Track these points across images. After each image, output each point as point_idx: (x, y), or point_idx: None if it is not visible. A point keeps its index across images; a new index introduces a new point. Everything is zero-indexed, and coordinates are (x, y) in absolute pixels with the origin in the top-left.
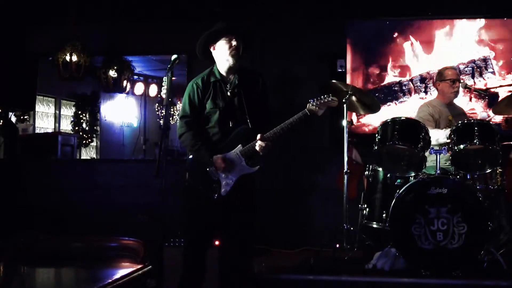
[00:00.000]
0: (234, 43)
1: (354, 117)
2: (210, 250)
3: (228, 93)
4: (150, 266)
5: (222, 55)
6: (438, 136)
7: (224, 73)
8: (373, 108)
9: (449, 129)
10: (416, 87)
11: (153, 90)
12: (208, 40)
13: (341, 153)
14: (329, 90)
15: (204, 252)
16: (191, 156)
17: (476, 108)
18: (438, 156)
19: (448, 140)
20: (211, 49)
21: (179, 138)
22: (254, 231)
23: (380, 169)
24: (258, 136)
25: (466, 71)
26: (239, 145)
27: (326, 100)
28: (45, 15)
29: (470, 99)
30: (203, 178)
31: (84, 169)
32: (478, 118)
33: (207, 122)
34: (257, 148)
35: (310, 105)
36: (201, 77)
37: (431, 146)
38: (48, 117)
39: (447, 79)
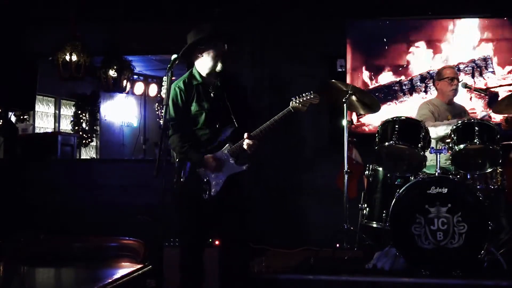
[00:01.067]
0: (224, 49)
1: (354, 116)
2: (209, 250)
3: (212, 95)
4: (150, 266)
5: (210, 60)
6: (437, 128)
7: (205, 75)
8: (373, 108)
9: (447, 121)
10: (416, 87)
11: (153, 90)
12: (198, 44)
13: (341, 152)
14: (329, 90)
15: (200, 252)
16: (178, 159)
17: (476, 108)
18: (438, 155)
19: (448, 131)
20: (198, 54)
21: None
22: (247, 229)
23: (380, 168)
24: (245, 135)
25: (466, 71)
26: (227, 145)
27: (307, 98)
28: (45, 15)
29: (470, 99)
30: (193, 179)
31: (84, 169)
32: (478, 117)
33: (194, 124)
34: (245, 146)
35: (293, 102)
36: (182, 80)
37: (431, 139)
38: (48, 117)
39: (445, 78)
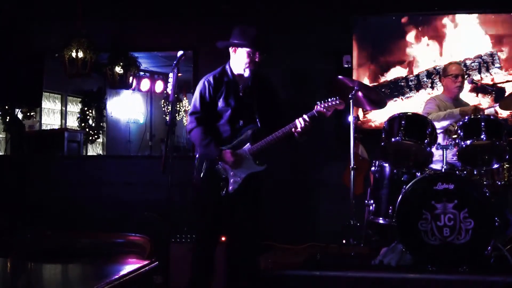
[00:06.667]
0: (257, 59)
1: (360, 112)
2: (217, 247)
3: (240, 94)
4: (157, 263)
5: (240, 62)
6: (440, 121)
7: (237, 74)
8: (379, 104)
9: (449, 110)
10: (422, 83)
11: (159, 86)
12: (236, 45)
13: (348, 148)
14: (335, 86)
15: (213, 249)
16: (198, 153)
17: (482, 104)
18: (444, 151)
19: (449, 122)
20: (231, 50)
21: (189, 133)
22: (261, 228)
23: (387, 164)
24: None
25: (473, 66)
26: (248, 144)
27: (332, 104)
28: (51, 11)
29: (477, 94)
30: (211, 175)
31: (91, 165)
32: (485, 113)
33: (218, 119)
34: (298, 124)
35: (318, 106)
36: (213, 75)
37: (437, 135)
38: (54, 113)
39: (450, 74)
